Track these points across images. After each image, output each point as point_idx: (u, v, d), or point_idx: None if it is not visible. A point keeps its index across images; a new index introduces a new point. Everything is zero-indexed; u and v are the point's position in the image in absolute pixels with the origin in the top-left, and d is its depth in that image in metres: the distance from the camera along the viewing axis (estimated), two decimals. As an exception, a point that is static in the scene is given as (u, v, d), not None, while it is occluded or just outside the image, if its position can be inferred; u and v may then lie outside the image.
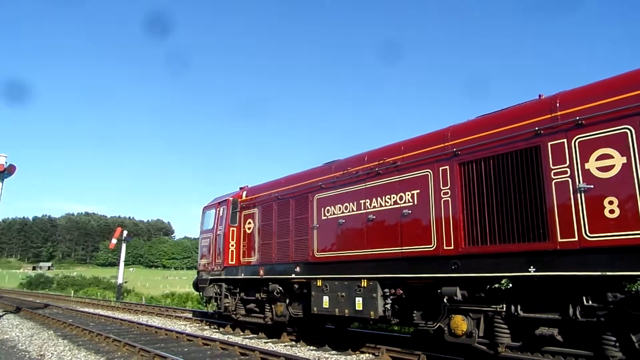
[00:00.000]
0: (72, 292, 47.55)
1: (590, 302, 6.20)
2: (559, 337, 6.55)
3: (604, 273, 5.88)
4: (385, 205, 9.18)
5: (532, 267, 6.61)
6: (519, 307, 7.00)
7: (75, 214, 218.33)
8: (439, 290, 7.87)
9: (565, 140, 6.57)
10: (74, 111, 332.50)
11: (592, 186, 6.17)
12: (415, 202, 8.57)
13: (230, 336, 13.57)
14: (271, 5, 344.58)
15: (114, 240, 40.03)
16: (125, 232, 37.80)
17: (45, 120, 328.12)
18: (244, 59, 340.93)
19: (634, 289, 5.63)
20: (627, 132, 5.96)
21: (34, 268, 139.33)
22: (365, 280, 9.33)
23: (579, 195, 6.28)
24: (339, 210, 10.27)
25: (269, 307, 12.73)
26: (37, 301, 32.34)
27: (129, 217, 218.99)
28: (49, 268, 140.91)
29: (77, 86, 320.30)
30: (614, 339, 6.03)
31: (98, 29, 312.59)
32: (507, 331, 7.22)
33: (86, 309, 25.06)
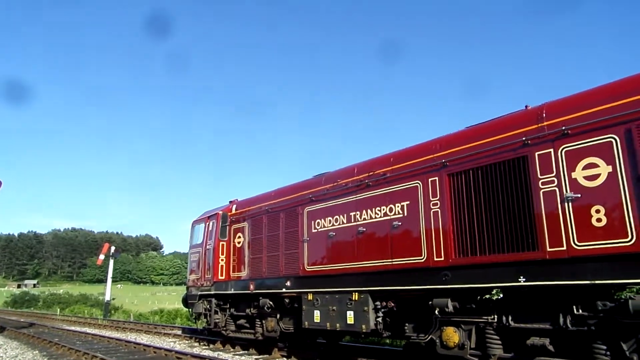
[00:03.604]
0: (59, 310, 46.74)
1: (580, 311, 6.21)
2: (550, 347, 6.54)
3: (593, 282, 5.91)
4: (375, 217, 9.17)
5: (522, 277, 6.62)
6: (510, 318, 6.99)
7: (62, 230, 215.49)
8: (430, 302, 7.84)
9: (552, 150, 6.64)
10: (62, 122, 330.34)
11: (579, 195, 6.22)
12: (405, 214, 8.58)
13: (221, 353, 13.36)
14: (271, 8, 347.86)
15: (101, 256, 39.60)
16: (112, 248, 37.41)
17: (31, 136, 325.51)
18: (242, 63, 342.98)
19: (622, 297, 5.66)
20: (612, 141, 6.04)
21: (19, 286, 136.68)
22: (357, 294, 9.27)
23: (566, 204, 6.33)
24: (329, 223, 10.24)
25: (259, 323, 12.58)
26: (22, 320, 31.68)
27: (117, 232, 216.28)
28: (34, 285, 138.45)
29: (75, 87, 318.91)
30: (605, 347, 6.03)
31: (98, 31, 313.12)
32: (499, 342, 7.20)
33: (73, 328, 24.59)
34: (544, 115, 6.89)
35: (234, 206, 14.28)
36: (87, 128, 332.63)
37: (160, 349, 13.58)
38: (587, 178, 6.20)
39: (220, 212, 14.20)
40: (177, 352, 12.69)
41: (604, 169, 6.06)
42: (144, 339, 18.08)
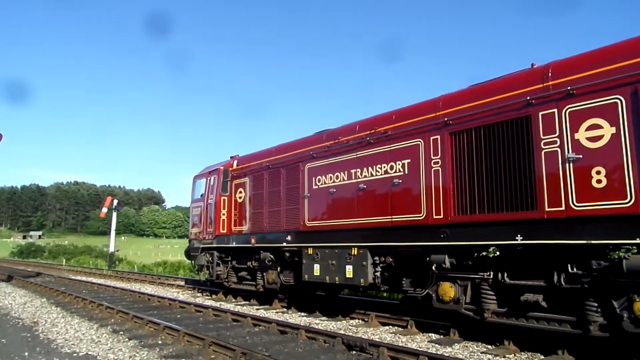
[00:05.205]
0: (64, 260, 47.75)
1: (574, 269, 6.34)
2: (543, 303, 6.72)
3: (589, 241, 6.00)
4: (376, 175, 9.20)
5: (519, 235, 6.71)
6: (505, 275, 7.14)
7: (65, 183, 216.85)
8: (427, 258, 8.00)
9: (555, 110, 6.57)
10: (65, 95, 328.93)
11: (580, 156, 6.22)
12: (406, 172, 8.60)
13: (223, 303, 13.77)
14: (272, 5, 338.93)
15: (104, 209, 40.08)
16: (115, 201, 37.78)
17: (36, 97, 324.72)
18: (244, 57, 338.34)
19: (616, 257, 5.76)
20: (617, 102, 5.97)
21: (24, 237, 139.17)
22: (356, 249, 9.44)
23: (567, 165, 6.33)
24: (330, 180, 10.29)
25: (260, 275, 12.89)
26: (29, 270, 32.46)
27: (119, 186, 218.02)
28: (39, 237, 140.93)
29: (72, 75, 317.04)
30: (596, 304, 6.19)
31: (98, 29, 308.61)
32: (494, 298, 7.39)
33: (78, 277, 25.24)
34: (550, 74, 6.77)
35: (235, 162, 14.31)
36: (87, 82, 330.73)
37: (164, 298, 13.99)
38: (589, 139, 6.17)
39: (222, 168, 14.25)
40: (180, 301, 13.08)
41: (607, 130, 6.02)
42: (148, 289, 18.59)
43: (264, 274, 12.68)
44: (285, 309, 12.38)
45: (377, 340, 7.88)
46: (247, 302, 13.80)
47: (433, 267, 7.92)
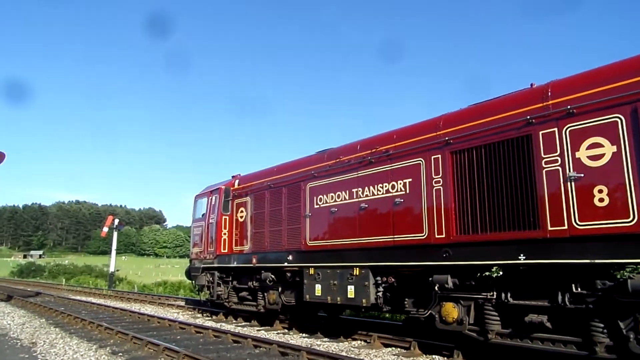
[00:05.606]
0: (64, 280, 47.40)
1: (579, 289, 6.28)
2: (548, 324, 6.64)
3: (593, 261, 5.95)
4: (378, 194, 9.19)
5: (522, 255, 6.67)
6: (509, 295, 7.07)
7: (66, 202, 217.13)
8: (430, 279, 7.93)
9: (556, 129, 6.59)
10: (66, 102, 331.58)
11: (582, 175, 6.21)
12: (407, 191, 8.59)
13: (223, 324, 13.61)
14: (271, 7, 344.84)
15: (105, 229, 40.05)
16: (116, 221, 37.71)
17: (36, 109, 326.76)
18: (242, 58, 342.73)
19: (621, 276, 5.70)
20: (617, 121, 5.99)
21: (25, 256, 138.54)
22: (358, 269, 9.37)
23: (569, 184, 6.33)
24: (332, 199, 10.28)
25: (261, 295, 12.77)
26: (29, 289, 32.21)
27: (121, 205, 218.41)
28: (40, 256, 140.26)
29: (72, 80, 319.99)
30: (602, 325, 6.12)
31: (98, 30, 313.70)
32: (497, 318, 7.30)
33: (78, 297, 25.02)
34: (550, 93, 6.82)
35: (237, 181, 14.32)
36: (91, 108, 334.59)
37: (164, 319, 13.84)
38: (591, 158, 6.18)
39: (223, 187, 14.26)
40: (180, 322, 12.94)
41: (608, 149, 6.03)
42: (148, 309, 18.40)
43: (265, 294, 12.57)
44: (286, 330, 12.24)
45: (380, 362, 7.76)
46: (248, 323, 13.64)
47: (436, 287, 7.85)
